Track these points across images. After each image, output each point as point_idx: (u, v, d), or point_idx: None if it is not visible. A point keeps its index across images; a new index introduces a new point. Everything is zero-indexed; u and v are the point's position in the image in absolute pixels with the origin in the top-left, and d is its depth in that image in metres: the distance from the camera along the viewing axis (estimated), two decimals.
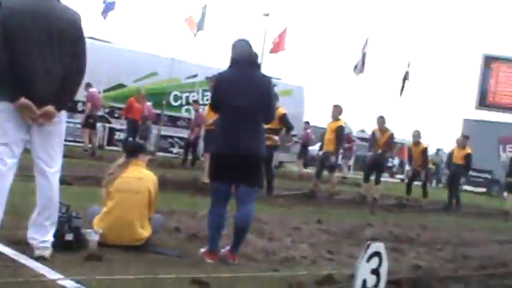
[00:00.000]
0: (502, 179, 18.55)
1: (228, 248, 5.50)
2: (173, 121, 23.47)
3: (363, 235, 7.99)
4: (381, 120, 14.21)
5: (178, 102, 23.83)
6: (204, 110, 14.91)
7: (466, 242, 8.97)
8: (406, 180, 16.45)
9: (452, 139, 19.74)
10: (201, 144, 16.57)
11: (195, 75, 23.72)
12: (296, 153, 22.35)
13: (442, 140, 63.28)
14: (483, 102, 31.63)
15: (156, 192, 5.61)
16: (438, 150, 30.06)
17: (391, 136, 14.27)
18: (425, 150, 15.41)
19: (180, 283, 4.39)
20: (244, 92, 5.36)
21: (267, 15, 33.65)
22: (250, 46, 5.59)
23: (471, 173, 28.00)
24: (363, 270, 3.75)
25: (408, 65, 30.41)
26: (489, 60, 31.68)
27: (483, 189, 26.91)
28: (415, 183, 15.71)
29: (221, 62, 26.54)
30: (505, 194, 17.41)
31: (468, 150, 15.60)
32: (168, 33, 62.05)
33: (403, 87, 29.86)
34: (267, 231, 7.25)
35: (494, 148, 26.88)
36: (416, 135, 15.39)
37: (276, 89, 5.86)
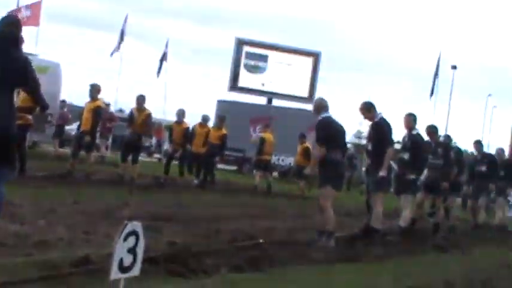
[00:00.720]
0: (253, 157, 19.78)
1: None
2: None
3: (120, 215, 8.00)
4: (141, 98, 14.10)
5: None
6: None
7: (219, 218, 9.45)
8: (165, 160, 16.67)
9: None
10: None
11: None
12: (52, 132, 21.46)
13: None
14: (235, 85, 33.37)
15: None
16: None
17: (149, 116, 14.29)
18: (187, 129, 15.66)
19: None
20: None
21: None
22: (9, 23, 5.33)
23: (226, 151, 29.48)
24: (120, 249, 3.79)
25: (166, 46, 30.98)
26: (241, 44, 33.43)
27: (235, 167, 28.37)
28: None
29: None
30: (255, 171, 18.57)
31: (223, 131, 16.28)
32: None
33: (160, 67, 30.34)
34: (19, 214, 6.93)
35: (246, 128, 28.35)
36: (180, 113, 15.66)
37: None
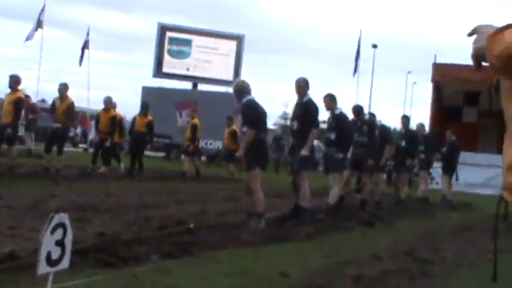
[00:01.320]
0: (180, 143, 19.65)
1: None
2: None
3: (46, 207, 7.84)
4: (62, 87, 13.68)
5: None
6: None
7: (147, 205, 9.40)
8: (92, 149, 16.31)
9: (135, 107, 20.55)
10: None
11: None
12: None
13: (126, 107, 64.24)
14: (159, 71, 33.04)
15: None
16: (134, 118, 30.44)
17: (71, 105, 13.93)
18: (113, 117, 15.38)
19: None
20: None
21: None
22: None
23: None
24: (47, 242, 3.70)
25: (87, 34, 30.26)
26: (164, 30, 33.09)
27: (162, 154, 28.16)
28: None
29: None
30: (183, 156, 18.44)
31: (149, 117, 16.08)
32: None
33: (82, 56, 29.67)
34: None
35: (172, 114, 28.15)
36: (108, 101, 15.36)
37: None
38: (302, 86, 9.29)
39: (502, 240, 7.78)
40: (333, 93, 10.57)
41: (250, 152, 8.05)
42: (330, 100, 10.38)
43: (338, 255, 6.47)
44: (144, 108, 16.33)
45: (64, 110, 13.63)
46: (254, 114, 8.17)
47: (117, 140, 15.79)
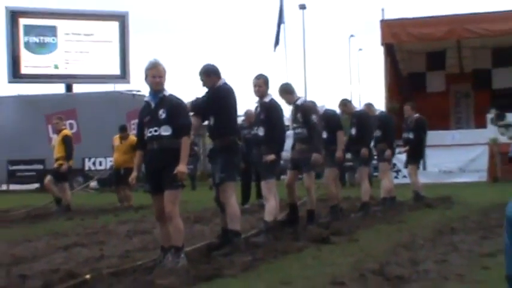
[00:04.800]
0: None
1: None
2: None
3: None
4: None
5: None
6: None
7: (22, 258, 9.18)
8: None
9: None
10: None
11: None
12: None
13: None
14: (17, 74, 32.28)
15: None
16: None
17: None
18: None
19: None
20: None
21: None
22: None
23: (17, 166, 28.66)
24: None
25: None
26: (16, 16, 32.30)
27: (36, 185, 27.66)
28: None
29: None
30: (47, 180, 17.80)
31: None
32: None
33: None
34: None
35: (42, 131, 27.65)
36: None
37: None
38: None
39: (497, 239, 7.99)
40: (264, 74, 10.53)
41: (171, 164, 7.97)
42: (263, 83, 10.37)
43: (287, 286, 6.52)
44: None
45: None
46: None
47: None
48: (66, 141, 16.97)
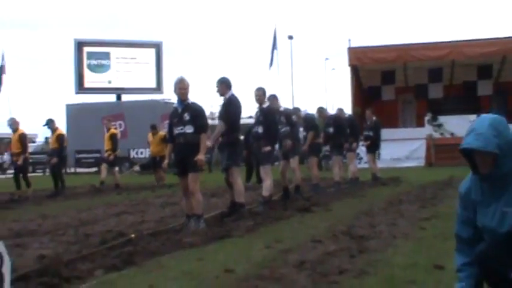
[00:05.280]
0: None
1: None
2: None
3: None
4: None
5: None
6: None
7: (85, 221, 9.21)
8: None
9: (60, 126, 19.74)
10: None
11: None
12: None
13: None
14: (81, 87, 32.36)
15: None
16: (46, 138, 29.74)
17: None
18: (21, 136, 14.62)
19: None
20: None
21: None
22: None
23: (81, 154, 28.65)
24: None
25: (3, 58, 29.32)
26: (81, 45, 32.42)
27: (94, 169, 27.65)
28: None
29: None
30: (116, 168, 18.04)
31: (59, 131, 15.65)
32: None
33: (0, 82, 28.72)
34: None
35: (100, 128, 27.64)
36: (12, 122, 14.76)
37: None
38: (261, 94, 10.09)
39: (431, 207, 7.98)
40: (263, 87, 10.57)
41: (193, 154, 7.94)
42: (261, 94, 10.40)
43: (280, 244, 6.52)
44: (49, 125, 15.59)
45: None
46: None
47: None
48: (113, 138, 17.07)
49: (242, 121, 10.02)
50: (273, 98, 11.49)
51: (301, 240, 6.72)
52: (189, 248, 6.52)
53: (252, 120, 11.57)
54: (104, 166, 17.31)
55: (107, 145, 17.17)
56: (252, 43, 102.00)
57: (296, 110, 13.46)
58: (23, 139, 14.69)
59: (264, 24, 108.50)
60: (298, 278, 4.92)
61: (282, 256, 5.83)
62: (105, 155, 17.37)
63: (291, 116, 11.94)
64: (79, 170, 29.87)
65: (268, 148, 10.19)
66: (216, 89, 9.28)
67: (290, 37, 43.61)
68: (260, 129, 10.30)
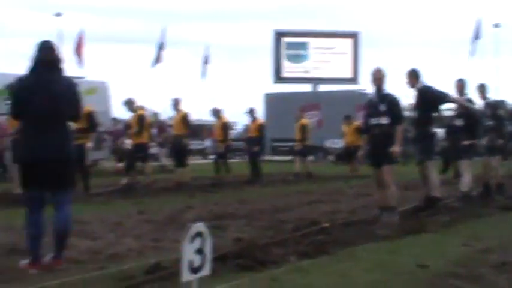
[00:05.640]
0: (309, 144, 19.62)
1: (51, 255, 5.32)
2: None
3: (185, 218, 8.11)
4: (176, 101, 14.09)
5: None
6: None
7: (280, 208, 9.49)
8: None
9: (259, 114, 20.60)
10: (7, 155, 15.53)
11: None
12: (108, 149, 21.82)
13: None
14: (279, 77, 33.42)
15: None
16: (246, 125, 31.07)
17: (185, 115, 13.99)
18: (224, 124, 15.39)
19: None
20: (45, 98, 5.21)
21: (58, 15, 32.79)
22: (53, 48, 5.42)
23: (278, 143, 29.57)
24: (188, 252, 3.83)
25: (207, 49, 31.13)
26: (280, 36, 33.42)
27: (289, 157, 28.37)
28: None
29: (19, 68, 25.02)
30: (311, 157, 18.41)
31: (259, 121, 16.32)
32: None
33: (204, 70, 30.52)
34: (89, 230, 7.10)
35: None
36: (215, 112, 15.53)
37: (81, 88, 5.78)
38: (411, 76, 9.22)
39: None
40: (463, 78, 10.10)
41: (388, 145, 7.86)
42: (462, 85, 9.96)
43: (478, 243, 6.20)
44: (251, 113, 16.36)
45: (176, 121, 14.14)
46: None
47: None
48: (304, 128, 17.43)
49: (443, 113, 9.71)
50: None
51: (503, 240, 6.32)
52: (382, 240, 6.45)
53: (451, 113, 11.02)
54: (297, 158, 17.71)
55: (296, 135, 17.59)
56: (454, 33, 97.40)
57: (501, 103, 12.44)
58: (225, 128, 15.52)
59: (467, 13, 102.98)
60: (498, 280, 4.64)
61: (481, 256, 5.55)
62: (295, 144, 17.76)
63: (497, 109, 11.12)
64: (275, 157, 30.87)
65: (468, 142, 9.76)
66: (405, 81, 9.10)
67: (496, 25, 40.98)
68: (459, 122, 9.88)
